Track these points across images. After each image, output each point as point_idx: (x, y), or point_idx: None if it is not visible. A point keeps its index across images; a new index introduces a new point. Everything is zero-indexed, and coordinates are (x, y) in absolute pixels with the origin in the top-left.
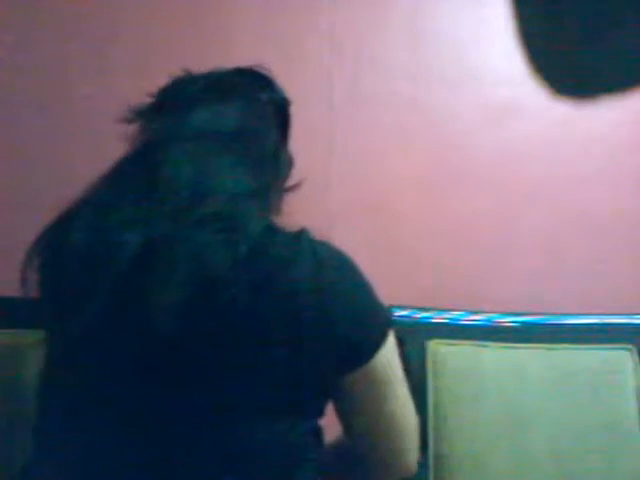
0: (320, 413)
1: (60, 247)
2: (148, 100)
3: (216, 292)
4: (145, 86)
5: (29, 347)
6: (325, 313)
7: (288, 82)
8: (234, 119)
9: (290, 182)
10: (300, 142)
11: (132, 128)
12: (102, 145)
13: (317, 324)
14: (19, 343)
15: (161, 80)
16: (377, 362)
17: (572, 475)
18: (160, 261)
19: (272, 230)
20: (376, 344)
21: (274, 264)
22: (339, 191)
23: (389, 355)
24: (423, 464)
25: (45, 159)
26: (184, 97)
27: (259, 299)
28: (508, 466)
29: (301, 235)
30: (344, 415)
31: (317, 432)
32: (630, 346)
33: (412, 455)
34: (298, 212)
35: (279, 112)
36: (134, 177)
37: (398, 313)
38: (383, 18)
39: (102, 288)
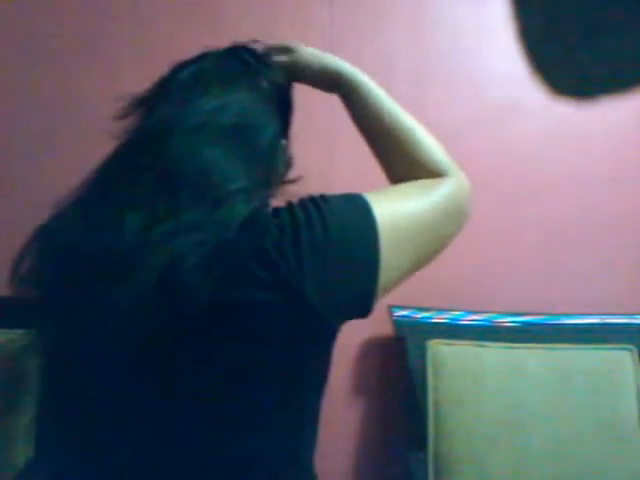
0: (314, 413)
1: (48, 247)
2: (145, 90)
3: (187, 296)
4: (145, 85)
5: (29, 347)
6: (303, 299)
7: None
8: (234, 111)
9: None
10: (300, 142)
11: (127, 123)
12: (102, 145)
13: (293, 317)
14: (19, 343)
15: None
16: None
17: (572, 475)
18: (132, 266)
19: (255, 224)
20: (369, 294)
21: (244, 266)
22: (339, 191)
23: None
24: (423, 463)
25: (45, 159)
26: (184, 83)
27: (233, 296)
28: (508, 466)
29: (263, 224)
30: None
31: (312, 434)
32: (630, 346)
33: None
34: None
35: (280, 96)
36: (127, 173)
37: (398, 313)
38: (383, 17)
39: (86, 289)
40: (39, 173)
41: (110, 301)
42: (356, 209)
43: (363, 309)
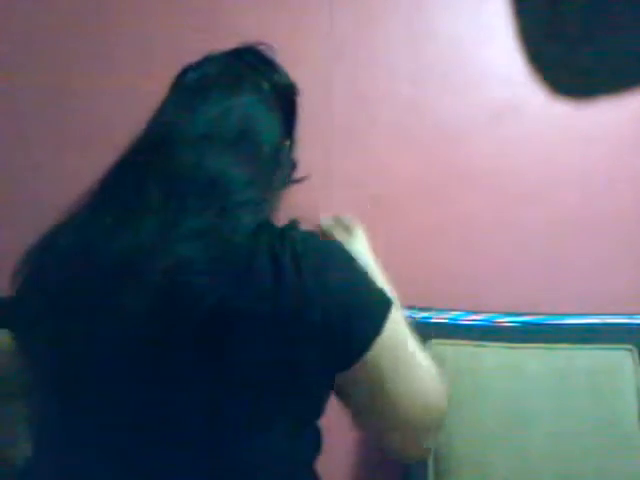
0: (317, 415)
1: (51, 250)
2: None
3: (192, 302)
4: (145, 87)
5: None
6: (306, 312)
7: None
8: (237, 117)
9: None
10: (300, 142)
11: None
12: (102, 145)
13: (298, 324)
14: None
15: (160, 80)
16: (376, 354)
17: (572, 475)
18: (138, 271)
19: (259, 234)
20: (369, 336)
21: (253, 270)
22: (339, 191)
23: (392, 341)
24: (423, 463)
25: (45, 160)
26: (189, 89)
27: (238, 303)
28: (508, 466)
29: (283, 234)
30: (348, 408)
31: (315, 434)
32: (630, 346)
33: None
34: (298, 212)
35: (284, 99)
36: (135, 180)
37: None
38: (383, 18)
39: (91, 291)
40: (39, 174)
41: (116, 303)
42: None
43: None
